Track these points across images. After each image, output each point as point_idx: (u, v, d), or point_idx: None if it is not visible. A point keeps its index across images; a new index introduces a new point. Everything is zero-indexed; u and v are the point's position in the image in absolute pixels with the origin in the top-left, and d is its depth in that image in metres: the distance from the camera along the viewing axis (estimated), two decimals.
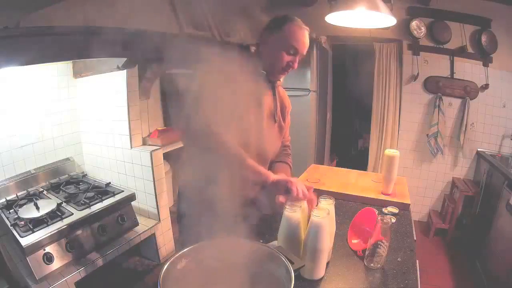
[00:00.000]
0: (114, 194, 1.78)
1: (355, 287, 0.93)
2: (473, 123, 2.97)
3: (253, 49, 1.23)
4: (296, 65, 1.18)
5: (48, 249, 1.41)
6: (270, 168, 1.33)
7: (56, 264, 1.42)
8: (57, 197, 1.75)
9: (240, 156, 1.01)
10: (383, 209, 1.39)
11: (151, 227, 1.89)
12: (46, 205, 1.56)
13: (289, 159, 1.42)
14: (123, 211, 1.77)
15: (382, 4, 1.31)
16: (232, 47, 1.27)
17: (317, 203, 1.01)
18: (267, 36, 1.16)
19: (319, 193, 1.06)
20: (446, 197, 3.06)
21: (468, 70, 2.92)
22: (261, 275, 0.79)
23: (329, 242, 0.95)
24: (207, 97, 1.02)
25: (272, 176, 1.06)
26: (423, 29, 2.87)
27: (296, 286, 0.68)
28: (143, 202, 1.99)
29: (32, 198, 1.68)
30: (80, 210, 1.60)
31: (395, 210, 1.39)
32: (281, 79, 1.25)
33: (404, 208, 1.41)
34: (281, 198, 1.03)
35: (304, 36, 1.16)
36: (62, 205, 1.63)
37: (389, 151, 1.49)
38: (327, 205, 0.97)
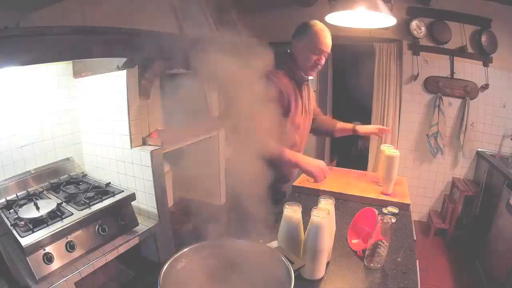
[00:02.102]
0: (114, 194, 1.78)
1: (355, 287, 0.93)
2: (473, 123, 2.97)
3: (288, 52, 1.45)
4: (323, 61, 1.43)
5: (48, 249, 1.40)
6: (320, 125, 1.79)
7: (56, 264, 1.42)
8: (57, 197, 1.75)
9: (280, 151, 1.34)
10: (383, 209, 1.39)
11: (151, 227, 1.89)
12: (46, 205, 1.56)
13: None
14: (123, 211, 1.77)
15: (382, 4, 1.31)
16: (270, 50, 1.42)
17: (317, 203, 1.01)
18: (297, 42, 1.42)
19: (319, 193, 1.06)
20: (446, 197, 3.06)
21: (468, 70, 2.91)
22: (261, 275, 0.79)
23: (329, 242, 0.95)
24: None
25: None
26: (423, 29, 2.87)
27: (296, 286, 0.68)
28: (143, 202, 1.98)
29: (32, 198, 1.68)
30: (80, 210, 1.60)
31: (395, 210, 1.39)
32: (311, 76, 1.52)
33: (404, 208, 1.42)
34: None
35: (325, 37, 1.38)
36: (62, 205, 1.63)
37: (389, 151, 1.49)
38: (327, 205, 0.98)
